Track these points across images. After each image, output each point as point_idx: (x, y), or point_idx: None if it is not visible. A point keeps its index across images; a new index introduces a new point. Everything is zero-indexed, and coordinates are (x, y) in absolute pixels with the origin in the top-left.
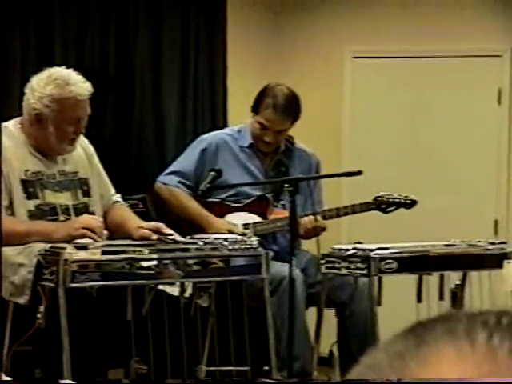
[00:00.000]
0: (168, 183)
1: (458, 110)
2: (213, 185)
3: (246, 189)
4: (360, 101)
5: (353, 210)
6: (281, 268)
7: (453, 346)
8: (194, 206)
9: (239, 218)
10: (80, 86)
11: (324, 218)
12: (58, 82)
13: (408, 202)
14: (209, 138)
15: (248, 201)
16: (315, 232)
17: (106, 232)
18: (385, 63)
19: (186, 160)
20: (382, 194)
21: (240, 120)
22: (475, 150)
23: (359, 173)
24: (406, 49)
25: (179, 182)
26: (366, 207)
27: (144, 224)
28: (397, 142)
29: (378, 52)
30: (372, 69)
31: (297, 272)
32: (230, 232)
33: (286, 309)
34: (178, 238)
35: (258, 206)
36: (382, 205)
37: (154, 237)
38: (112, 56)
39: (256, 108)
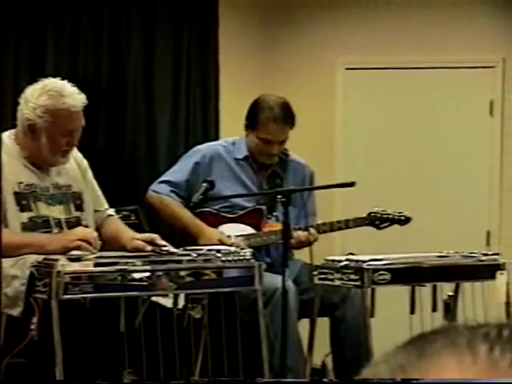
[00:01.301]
0: (160, 192)
1: (450, 121)
2: (205, 196)
3: (240, 201)
4: (353, 112)
5: (346, 224)
6: (274, 279)
7: (455, 358)
8: (186, 214)
9: (233, 230)
10: (74, 97)
11: (318, 231)
12: (52, 94)
13: (402, 218)
14: (203, 149)
15: (242, 212)
16: (308, 243)
17: (99, 242)
18: (377, 74)
19: (180, 170)
20: (375, 209)
21: (232, 132)
22: (468, 161)
23: (352, 184)
24: (399, 60)
25: (171, 191)
26: (359, 223)
27: (138, 235)
28: (390, 153)
29: (371, 63)
30: (365, 80)
31: (289, 283)
32: (221, 242)
33: (279, 320)
34: (172, 249)
35: (252, 218)
36: (376, 221)
37: (149, 248)
38: (104, 68)
39: (253, 124)
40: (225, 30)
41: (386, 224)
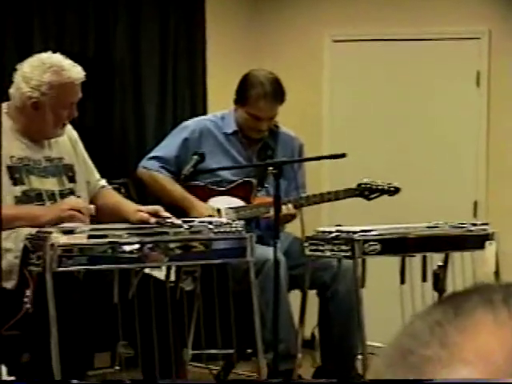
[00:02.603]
0: (150, 168)
1: (436, 92)
2: (196, 169)
3: (230, 174)
4: (340, 84)
5: (336, 196)
6: (263, 251)
7: (491, 315)
8: (176, 189)
9: (222, 202)
10: (75, 70)
11: (307, 203)
12: (55, 69)
13: (391, 189)
14: (192, 124)
15: (231, 185)
16: (287, 219)
17: (92, 206)
18: (364, 46)
19: (169, 146)
20: (365, 180)
21: (219, 106)
22: (454, 132)
23: (343, 155)
24: (386, 32)
25: (161, 166)
26: (349, 193)
27: (142, 208)
28: (377, 125)
29: (358, 35)
30: (352, 52)
31: (280, 255)
32: (212, 217)
33: (270, 291)
34: (176, 221)
35: (242, 191)
36: (366, 191)
37: (153, 220)
38: (91, 42)
39: (242, 100)
40: (211, 4)
41: (375, 194)
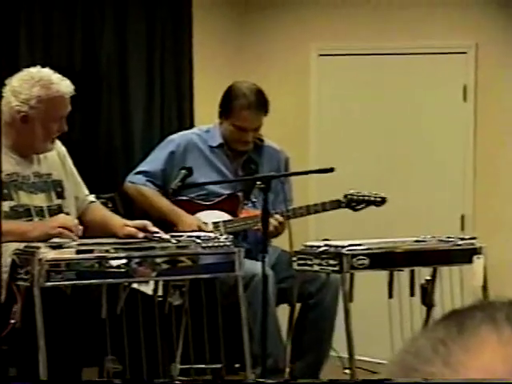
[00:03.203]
0: (136, 182)
1: (423, 106)
2: (184, 183)
3: (216, 188)
4: (326, 98)
5: (323, 207)
6: (251, 265)
7: (495, 333)
8: (163, 202)
9: (209, 217)
10: (64, 84)
11: (294, 215)
12: (44, 83)
13: (378, 199)
14: (177, 138)
15: (218, 199)
16: (277, 231)
17: (80, 227)
18: (351, 61)
19: (154, 160)
20: (351, 191)
21: (206, 120)
22: (441, 146)
23: (331, 170)
24: (372, 46)
25: (148, 180)
26: (335, 205)
27: (130, 222)
28: (363, 139)
29: (344, 49)
30: (338, 66)
31: (267, 270)
32: (200, 229)
33: (258, 306)
34: (164, 235)
35: (229, 205)
36: (352, 203)
37: (141, 235)
38: (78, 55)
39: (226, 112)
40: (198, 17)
41: (362, 205)
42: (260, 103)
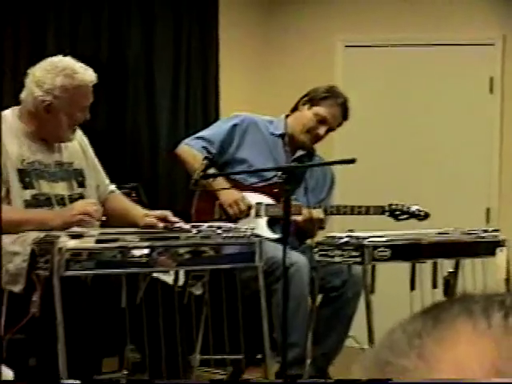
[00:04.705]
0: (192, 145)
1: (450, 98)
2: (206, 173)
3: (265, 172)
4: (351, 90)
5: (366, 211)
6: (289, 255)
7: (470, 325)
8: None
9: (253, 198)
10: (87, 73)
11: (337, 212)
12: (67, 72)
13: (421, 214)
14: (243, 115)
15: (265, 183)
16: (313, 225)
17: (101, 210)
18: (376, 52)
19: (216, 130)
20: (396, 202)
21: (231, 111)
22: (467, 138)
23: (353, 161)
24: (398, 38)
25: (203, 147)
26: (379, 211)
27: (150, 212)
28: (388, 131)
29: (370, 41)
30: (363, 58)
31: (303, 259)
32: (237, 203)
33: (297, 295)
34: (184, 225)
35: (274, 191)
36: (396, 211)
37: (161, 225)
38: (104, 45)
39: (316, 101)
40: (224, 11)
41: (405, 216)
42: (347, 110)
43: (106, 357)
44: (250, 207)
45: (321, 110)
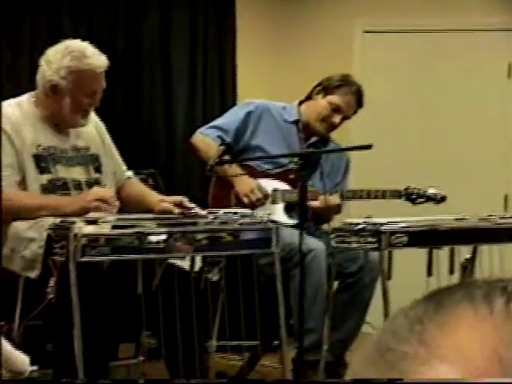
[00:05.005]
0: (207, 134)
1: (468, 84)
2: (221, 159)
3: (281, 158)
4: (370, 75)
5: (383, 194)
6: (306, 241)
7: (471, 310)
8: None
9: (269, 185)
10: (97, 58)
11: (353, 197)
12: (76, 54)
13: (438, 197)
14: (257, 102)
15: (280, 170)
16: (330, 211)
17: (117, 203)
18: (395, 37)
19: (231, 118)
20: (412, 186)
21: (249, 96)
22: (485, 124)
23: (369, 147)
24: (417, 23)
25: (218, 136)
26: (395, 194)
27: (166, 198)
28: (406, 117)
29: (389, 26)
30: (382, 43)
31: (321, 245)
32: (253, 191)
33: (315, 281)
34: (200, 211)
35: (290, 177)
36: (413, 195)
37: (177, 211)
38: (121, 30)
39: (329, 88)
40: None
41: (421, 200)
42: (361, 97)
43: (123, 342)
44: (266, 195)
45: (335, 98)
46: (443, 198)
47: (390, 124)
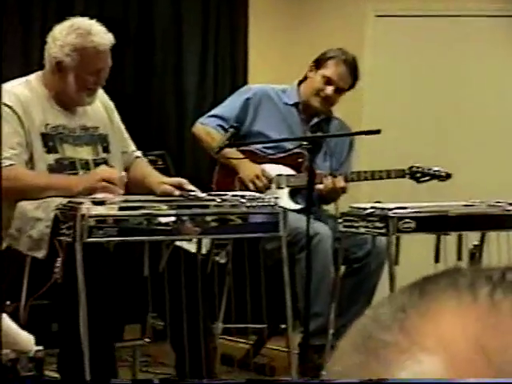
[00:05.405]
0: (207, 124)
1: (481, 68)
2: (231, 141)
3: (284, 142)
4: (382, 60)
5: (387, 174)
6: (312, 225)
7: (455, 298)
8: (228, 148)
9: (273, 170)
10: (102, 36)
11: (358, 179)
12: (80, 32)
13: (443, 174)
14: (254, 88)
15: (284, 154)
16: (336, 191)
17: (124, 174)
18: (407, 22)
19: (230, 106)
20: (417, 164)
21: (260, 79)
22: (498, 110)
23: (378, 131)
24: (429, 7)
25: (218, 125)
26: (400, 174)
27: (166, 180)
28: (419, 104)
29: (401, 10)
30: (395, 27)
31: (326, 229)
32: (258, 177)
33: (320, 265)
34: (200, 194)
35: (293, 160)
36: (417, 174)
37: (177, 193)
38: (133, 8)
39: (320, 63)
40: None
41: (426, 178)
42: (354, 67)
43: (129, 323)
44: (270, 180)
45: (326, 70)
46: (448, 175)
47: (401, 109)
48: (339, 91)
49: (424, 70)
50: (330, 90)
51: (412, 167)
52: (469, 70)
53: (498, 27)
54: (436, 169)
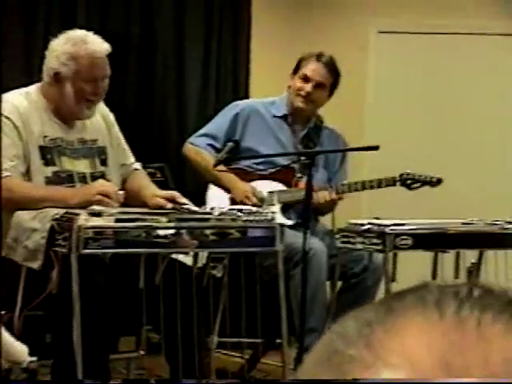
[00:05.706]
0: (197, 144)
1: (483, 87)
2: (230, 155)
3: (273, 158)
4: (385, 76)
5: (378, 184)
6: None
7: (421, 315)
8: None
9: (264, 186)
10: (97, 44)
11: (349, 190)
12: (76, 41)
13: (434, 180)
14: (242, 103)
15: (273, 170)
16: (330, 204)
17: (122, 192)
18: (410, 39)
19: (218, 123)
20: (407, 171)
21: (262, 92)
22: (499, 127)
23: (376, 148)
24: (432, 24)
25: (208, 144)
26: (391, 182)
27: (159, 192)
28: (421, 118)
29: (404, 27)
30: (397, 44)
31: (321, 244)
32: (250, 196)
33: (315, 280)
34: (193, 207)
35: (283, 176)
36: (408, 181)
37: (169, 206)
38: (135, 21)
39: (297, 66)
40: None
41: (417, 184)
42: (330, 63)
43: (124, 336)
44: (261, 199)
45: (301, 70)
46: (439, 181)
47: (403, 124)
48: (319, 87)
49: (426, 85)
50: (308, 86)
51: (402, 174)
52: (470, 87)
53: (500, 45)
54: (427, 174)
